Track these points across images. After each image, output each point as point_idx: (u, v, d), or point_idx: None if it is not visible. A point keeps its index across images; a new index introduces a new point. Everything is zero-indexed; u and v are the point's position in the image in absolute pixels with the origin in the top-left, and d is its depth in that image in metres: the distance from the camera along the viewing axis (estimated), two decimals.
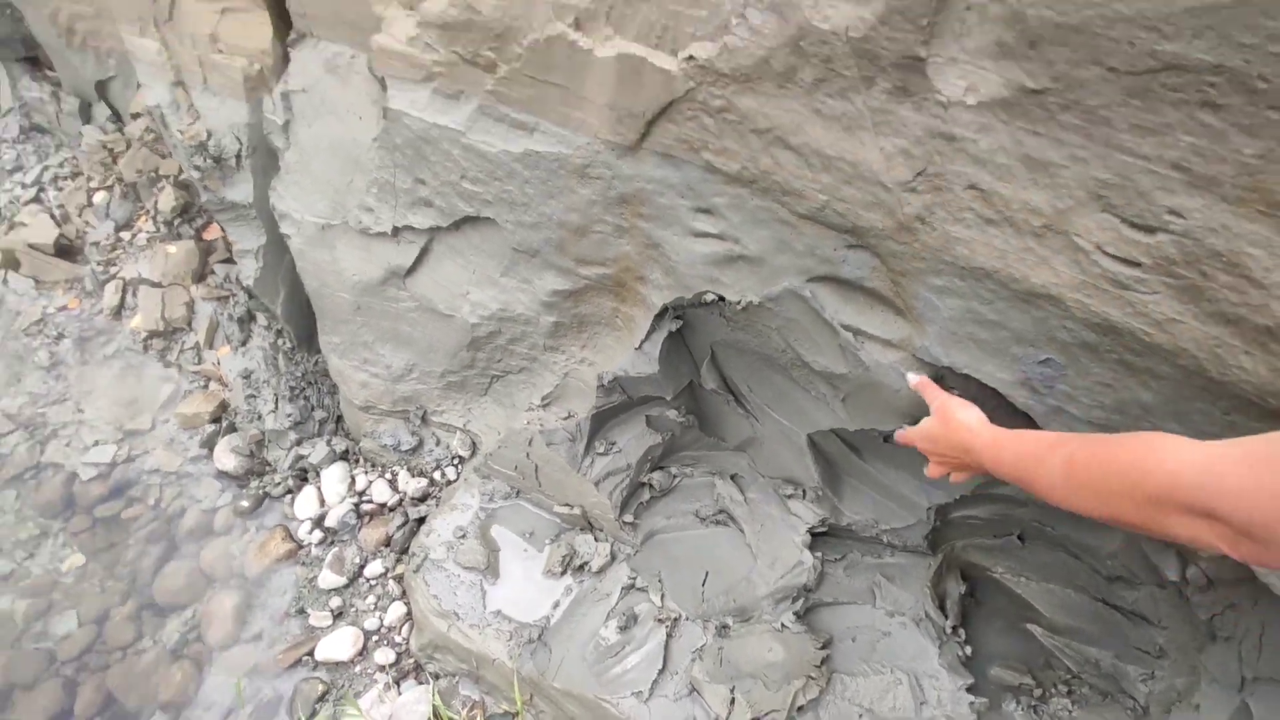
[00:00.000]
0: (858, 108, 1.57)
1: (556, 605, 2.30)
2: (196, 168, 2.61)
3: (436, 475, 2.71)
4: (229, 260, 3.48)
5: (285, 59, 2.52)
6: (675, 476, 2.46)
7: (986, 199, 1.53)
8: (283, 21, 2.53)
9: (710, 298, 1.99)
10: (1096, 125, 1.37)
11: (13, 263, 3.73)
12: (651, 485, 2.43)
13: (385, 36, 2.14)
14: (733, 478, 2.42)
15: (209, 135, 2.60)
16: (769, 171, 1.74)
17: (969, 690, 2.06)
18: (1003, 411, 1.72)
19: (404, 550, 2.62)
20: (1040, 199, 1.47)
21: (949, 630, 2.18)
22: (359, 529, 2.71)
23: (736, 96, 1.68)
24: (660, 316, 2.13)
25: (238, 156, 2.61)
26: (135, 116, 3.77)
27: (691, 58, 1.69)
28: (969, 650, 2.19)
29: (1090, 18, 1.27)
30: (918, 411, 1.82)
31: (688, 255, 1.96)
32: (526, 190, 2.07)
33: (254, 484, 2.94)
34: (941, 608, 2.21)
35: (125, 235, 3.66)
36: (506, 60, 1.94)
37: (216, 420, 3.11)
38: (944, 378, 1.77)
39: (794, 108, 1.64)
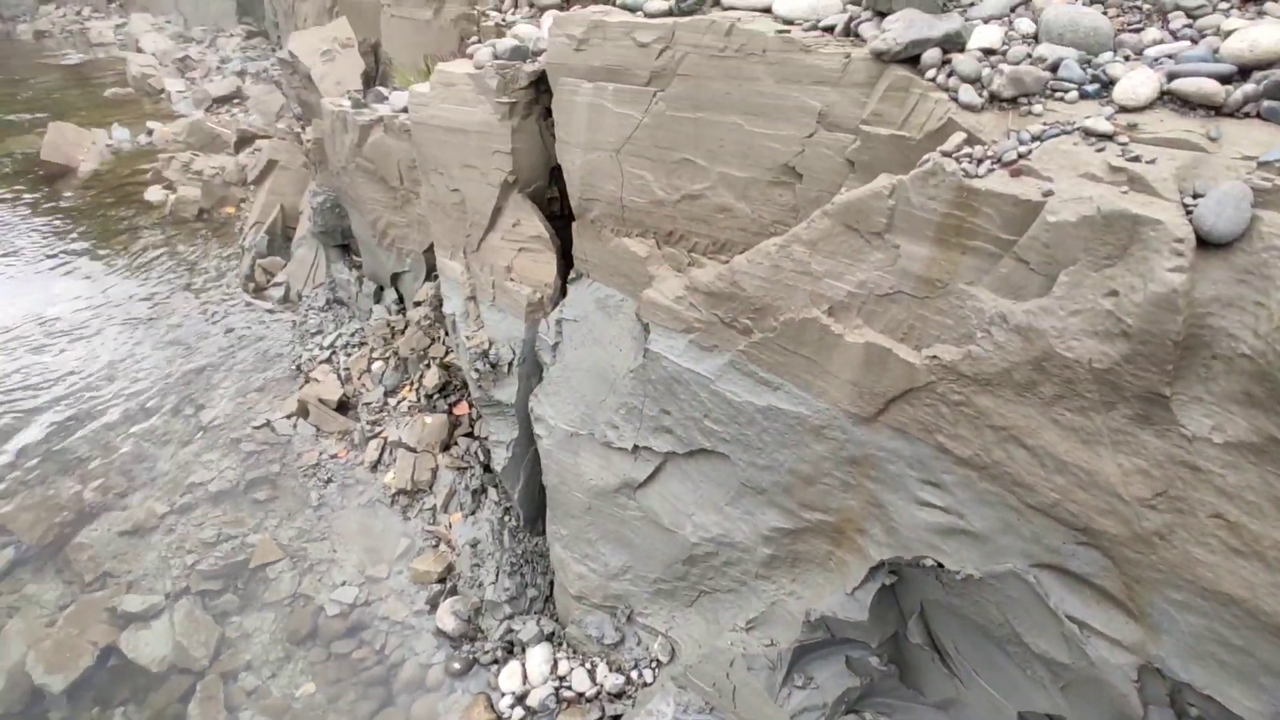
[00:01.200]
0: (1096, 425, 1.71)
1: None
2: (476, 370, 3.14)
3: (634, 675, 2.87)
4: (470, 435, 4.02)
5: (563, 292, 3.05)
6: None
7: (1233, 530, 1.58)
8: (566, 263, 3.10)
9: (929, 562, 2.10)
10: None
11: (304, 411, 4.52)
12: None
13: (655, 292, 2.58)
14: None
15: (490, 344, 3.15)
16: (1000, 463, 1.88)
17: None
18: None
19: None
20: None
21: None
22: (556, 714, 2.89)
23: (975, 395, 1.88)
24: (875, 569, 2.25)
25: (510, 364, 3.12)
26: (416, 305, 4.56)
27: (935, 357, 1.93)
28: None
29: None
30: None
31: (910, 519, 2.10)
32: (763, 437, 2.34)
33: (466, 648, 3.24)
34: None
35: (392, 401, 4.35)
36: (761, 329, 2.27)
37: (442, 580, 3.51)
38: (1181, 693, 1.74)
39: (1031, 414, 1.80)
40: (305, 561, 3.74)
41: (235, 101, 10.28)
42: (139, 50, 13.33)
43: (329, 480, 4.10)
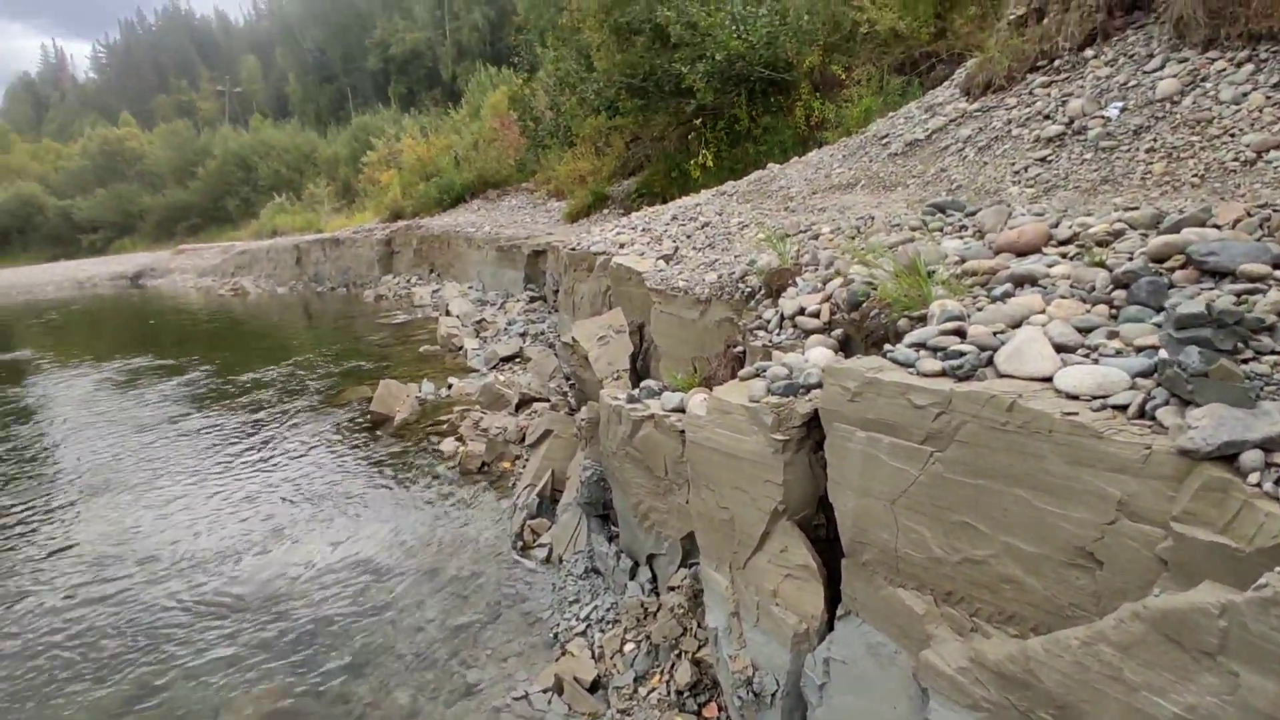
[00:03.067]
0: None
1: None
2: (739, 697, 3.16)
3: None
4: None
5: (830, 627, 3.05)
6: None
7: None
8: (835, 596, 3.12)
9: None
10: None
11: (559, 688, 4.73)
12: None
13: (935, 656, 2.50)
14: None
15: (754, 671, 3.17)
16: None
17: None
18: None
19: None
20: None
21: None
22: None
23: None
24: None
25: (773, 696, 3.10)
26: (671, 590, 4.75)
27: None
28: None
29: None
30: None
31: None
32: None
33: None
34: None
35: (642, 690, 4.42)
36: None
37: None
38: None
39: None
40: None
41: (517, 360, 12.03)
42: (448, 313, 16.30)
43: None
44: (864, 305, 3.90)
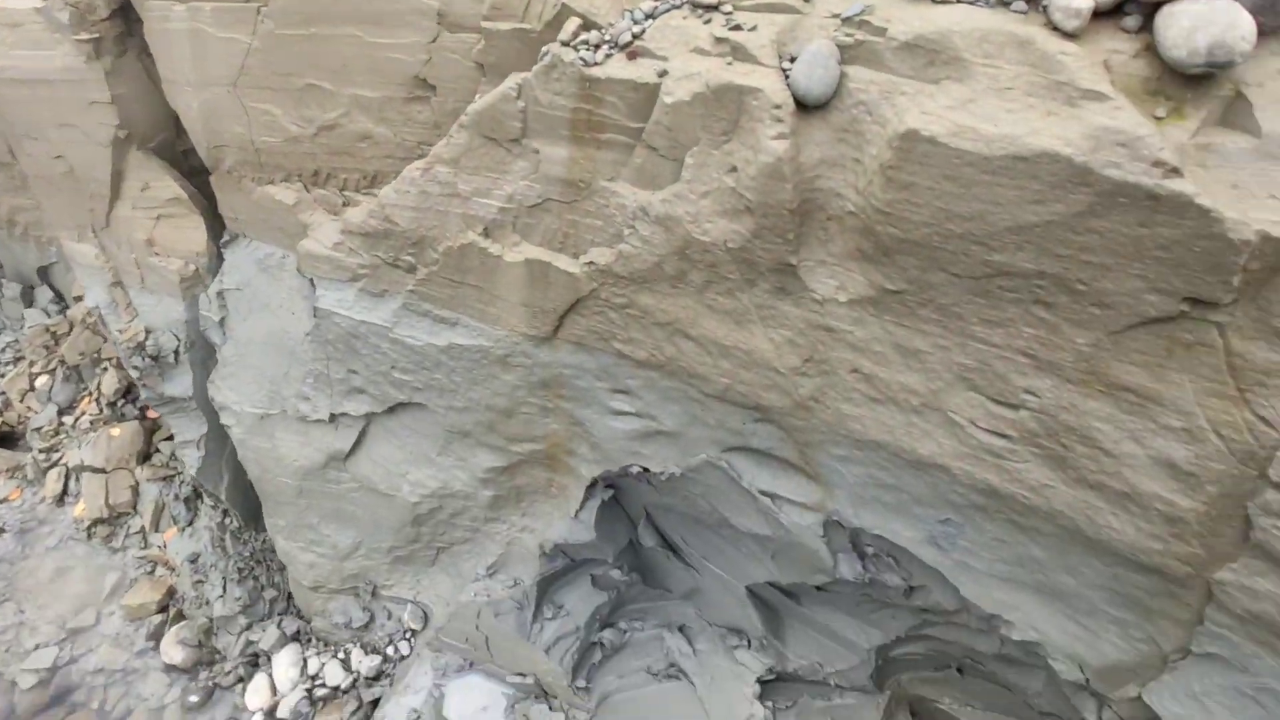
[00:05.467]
0: (744, 304, 1.72)
1: None
2: (135, 367, 2.67)
3: (390, 651, 2.68)
4: (173, 438, 3.50)
5: (219, 259, 2.64)
6: (625, 632, 2.48)
7: (869, 381, 1.67)
8: (216, 224, 2.67)
9: (635, 469, 2.09)
10: (951, 319, 1.52)
11: None
12: (603, 644, 2.44)
13: (312, 242, 2.28)
14: (681, 629, 2.44)
15: (147, 334, 2.68)
16: (674, 358, 1.87)
17: None
18: (916, 568, 1.81)
19: None
20: (915, 381, 1.61)
21: None
22: (312, 717, 2.65)
23: (636, 295, 1.83)
24: (592, 487, 2.21)
25: (175, 353, 2.68)
26: (78, 299, 3.84)
27: (591, 263, 1.85)
28: None
29: (928, 234, 1.44)
30: (840, 568, 1.91)
31: (609, 431, 2.07)
32: (453, 378, 2.17)
33: (203, 675, 2.86)
34: None
35: (68, 420, 3.66)
36: (425, 264, 2.08)
37: (164, 609, 3.05)
38: (859, 536, 1.87)
39: (688, 304, 1.79)
40: None
41: None
42: None
43: (1, 530, 3.41)
44: None
